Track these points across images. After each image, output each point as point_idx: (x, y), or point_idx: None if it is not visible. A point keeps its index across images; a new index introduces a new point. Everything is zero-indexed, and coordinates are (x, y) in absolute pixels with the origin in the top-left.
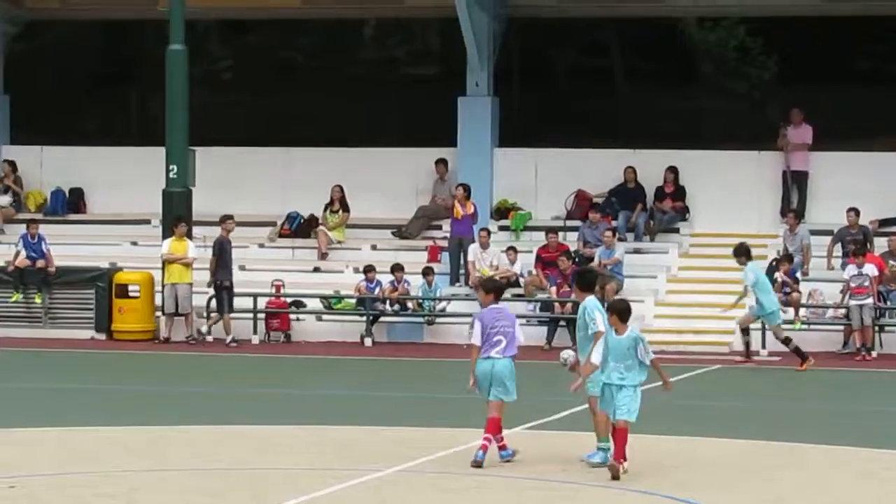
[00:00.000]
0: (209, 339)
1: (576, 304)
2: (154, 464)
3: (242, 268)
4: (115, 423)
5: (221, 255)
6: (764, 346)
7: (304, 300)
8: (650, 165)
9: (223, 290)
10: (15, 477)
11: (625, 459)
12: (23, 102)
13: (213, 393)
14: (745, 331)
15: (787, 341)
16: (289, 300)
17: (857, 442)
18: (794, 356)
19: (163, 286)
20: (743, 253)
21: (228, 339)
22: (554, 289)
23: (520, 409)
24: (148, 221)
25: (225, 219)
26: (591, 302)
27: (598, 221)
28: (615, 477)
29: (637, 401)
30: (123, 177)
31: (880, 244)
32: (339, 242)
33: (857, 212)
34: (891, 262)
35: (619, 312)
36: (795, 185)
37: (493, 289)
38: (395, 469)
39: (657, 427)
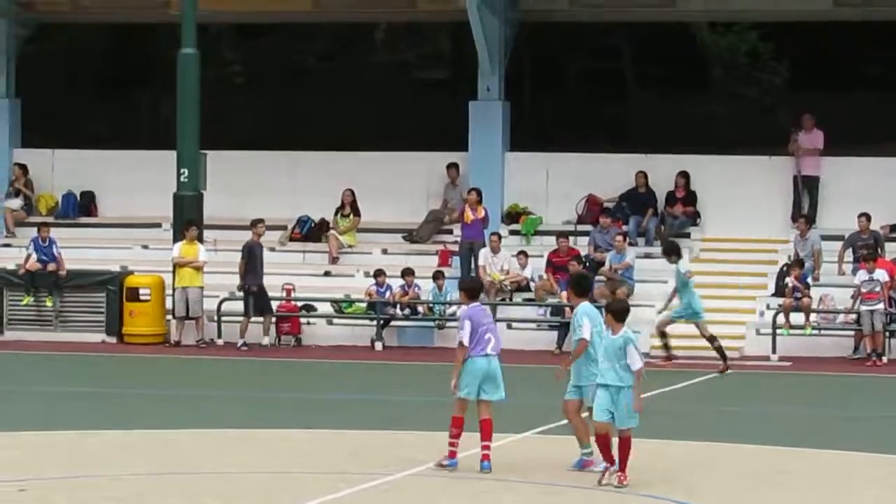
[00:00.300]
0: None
1: None
2: (163, 467)
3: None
4: (124, 426)
5: (250, 259)
6: (774, 352)
7: (314, 304)
8: (661, 170)
9: (250, 294)
10: (25, 480)
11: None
12: (34, 105)
13: (224, 396)
14: (663, 334)
15: (712, 339)
16: (299, 304)
17: (867, 447)
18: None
19: (173, 290)
20: (674, 251)
21: (240, 342)
22: (564, 293)
23: (528, 414)
24: (159, 225)
25: (255, 223)
26: (582, 308)
27: (609, 226)
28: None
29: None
30: (134, 180)
31: (891, 249)
32: (350, 246)
33: (868, 217)
34: None
35: (615, 312)
36: (806, 190)
37: (465, 288)
38: (405, 473)
39: (668, 432)
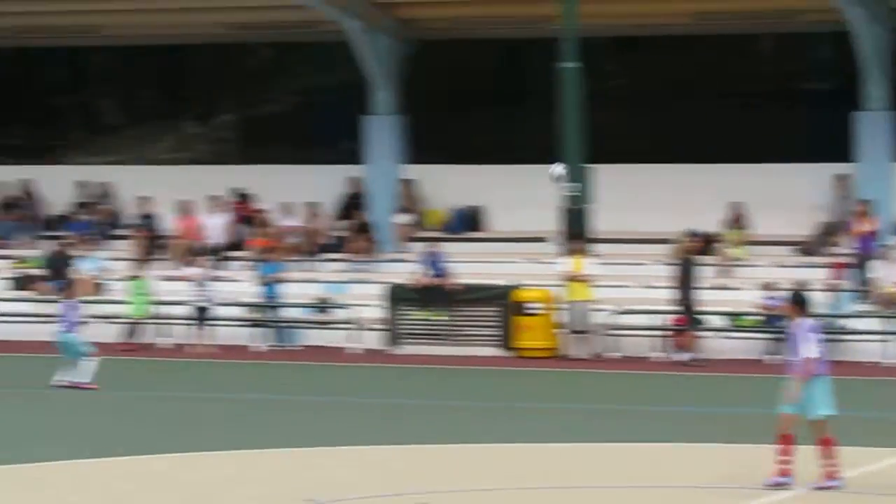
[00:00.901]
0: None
1: None
2: (566, 481)
3: (650, 286)
4: (524, 439)
5: (684, 274)
6: None
7: (703, 317)
8: None
9: (687, 309)
10: (426, 493)
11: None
12: (421, 123)
13: (612, 410)
14: None
15: None
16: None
17: None
18: None
19: (565, 303)
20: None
21: (683, 356)
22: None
23: None
24: (544, 239)
25: (687, 236)
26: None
27: None
28: None
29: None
30: (521, 195)
31: None
32: (741, 259)
33: None
34: None
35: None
36: None
37: (798, 301)
38: (805, 489)
39: None
